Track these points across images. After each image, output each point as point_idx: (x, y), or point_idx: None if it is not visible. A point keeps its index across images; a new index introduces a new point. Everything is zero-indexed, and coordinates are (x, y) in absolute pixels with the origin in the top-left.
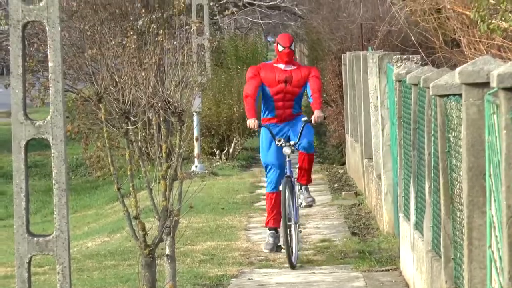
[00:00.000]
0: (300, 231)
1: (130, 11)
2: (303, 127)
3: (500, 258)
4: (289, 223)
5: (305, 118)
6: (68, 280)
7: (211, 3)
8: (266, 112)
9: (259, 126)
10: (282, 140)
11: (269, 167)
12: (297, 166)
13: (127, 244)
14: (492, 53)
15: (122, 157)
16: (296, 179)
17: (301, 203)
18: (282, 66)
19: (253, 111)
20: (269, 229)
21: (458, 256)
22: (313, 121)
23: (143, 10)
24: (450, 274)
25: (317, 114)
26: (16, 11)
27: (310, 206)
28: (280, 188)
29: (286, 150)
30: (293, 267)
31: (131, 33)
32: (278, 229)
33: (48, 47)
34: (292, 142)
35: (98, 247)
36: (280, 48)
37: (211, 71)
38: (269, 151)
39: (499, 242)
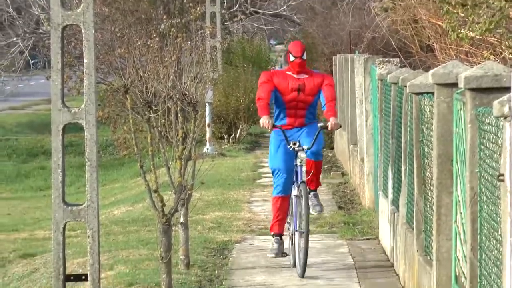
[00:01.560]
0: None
1: (154, 17)
2: (318, 133)
3: (464, 231)
4: (298, 231)
5: (321, 124)
6: (97, 243)
7: (223, 11)
8: (278, 119)
9: (274, 126)
10: (297, 143)
11: (276, 171)
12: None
13: (148, 213)
14: (461, 58)
15: (145, 139)
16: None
17: (313, 210)
18: (295, 75)
19: (266, 110)
20: (274, 236)
21: (428, 229)
22: (329, 128)
23: (165, 16)
24: (421, 244)
25: (333, 121)
26: (57, 16)
27: (318, 213)
28: (291, 193)
29: (301, 155)
30: (303, 276)
31: (154, 35)
32: (282, 235)
33: (84, 46)
34: (305, 147)
35: (123, 215)
36: (292, 58)
37: (221, 68)
38: (276, 154)
39: (463, 218)
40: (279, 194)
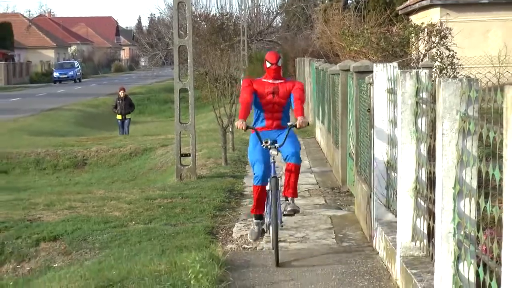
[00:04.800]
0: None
1: (217, 41)
2: (288, 132)
3: (352, 134)
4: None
5: (290, 123)
6: (194, 140)
7: (248, 39)
8: (258, 121)
9: (247, 127)
10: (269, 141)
11: (254, 163)
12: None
13: (216, 127)
14: (351, 59)
15: (215, 95)
16: (282, 193)
17: (285, 210)
18: (270, 80)
19: (244, 113)
20: (255, 217)
21: (336, 133)
22: (297, 126)
23: (222, 41)
24: (334, 140)
25: (301, 120)
26: (176, 41)
27: (294, 213)
28: (267, 184)
29: (273, 152)
30: (278, 265)
31: (218, 50)
32: (262, 215)
33: (188, 54)
34: (277, 145)
35: (205, 128)
36: (268, 65)
37: (247, 63)
38: (254, 150)
39: (352, 128)
40: (258, 183)
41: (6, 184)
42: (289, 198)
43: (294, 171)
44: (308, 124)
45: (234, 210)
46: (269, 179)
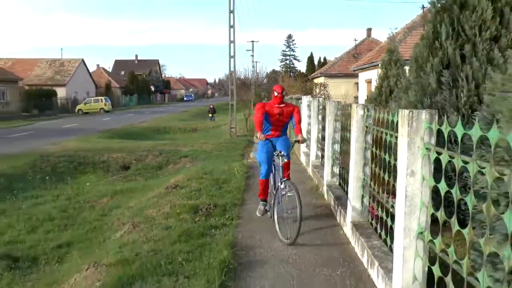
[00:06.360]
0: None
1: (244, 88)
2: (293, 145)
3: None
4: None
5: (295, 139)
6: (236, 123)
7: (254, 87)
8: (265, 131)
9: (266, 139)
10: (278, 152)
11: (261, 164)
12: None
13: (243, 118)
14: (293, 94)
15: (243, 106)
16: (283, 175)
17: (286, 193)
18: (277, 105)
19: (260, 127)
20: (261, 200)
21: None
22: (300, 142)
23: (245, 87)
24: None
25: (301, 138)
26: (229, 87)
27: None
28: (269, 177)
29: (277, 160)
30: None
31: (244, 91)
32: (267, 200)
33: (235, 92)
34: (284, 153)
35: (239, 118)
36: (275, 94)
37: (254, 95)
38: (262, 153)
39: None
40: (264, 177)
41: (168, 137)
42: (286, 181)
43: (287, 164)
44: (305, 140)
45: (250, 148)
46: (280, 180)
